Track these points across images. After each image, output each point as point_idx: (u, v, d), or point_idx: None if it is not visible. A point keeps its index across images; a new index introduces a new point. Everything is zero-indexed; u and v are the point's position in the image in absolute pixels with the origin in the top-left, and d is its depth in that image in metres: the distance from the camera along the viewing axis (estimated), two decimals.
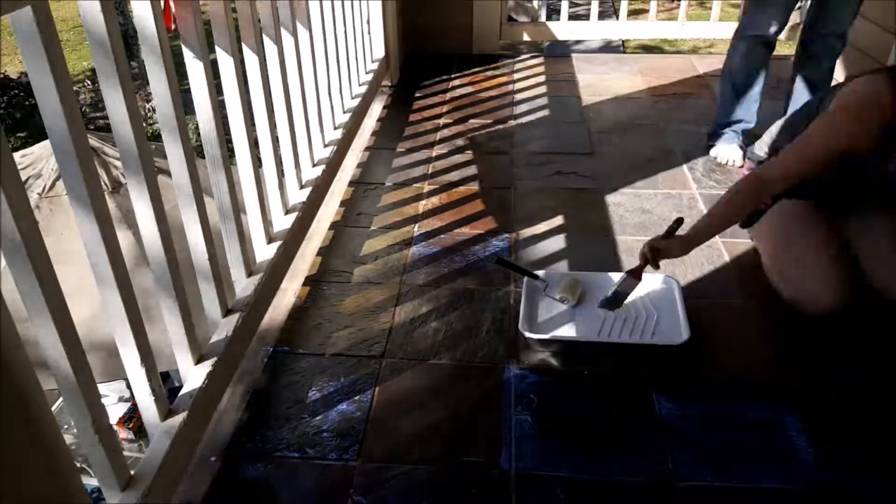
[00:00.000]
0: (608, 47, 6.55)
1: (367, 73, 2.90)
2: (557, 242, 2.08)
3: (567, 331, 1.72)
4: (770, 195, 1.75)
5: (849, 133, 1.55)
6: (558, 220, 2.19)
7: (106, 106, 1.09)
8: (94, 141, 2.74)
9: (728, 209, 1.68)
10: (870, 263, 1.68)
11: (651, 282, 1.82)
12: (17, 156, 2.80)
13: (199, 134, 1.43)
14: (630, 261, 1.98)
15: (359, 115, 2.66)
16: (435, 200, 2.32)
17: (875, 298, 1.63)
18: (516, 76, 3.41)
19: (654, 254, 1.69)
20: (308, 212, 1.99)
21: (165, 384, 1.29)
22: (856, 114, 1.56)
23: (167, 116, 1.26)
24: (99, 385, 1.09)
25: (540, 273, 1.84)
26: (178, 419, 1.25)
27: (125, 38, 5.64)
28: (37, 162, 2.74)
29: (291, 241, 1.85)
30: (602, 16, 4.02)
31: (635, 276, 1.74)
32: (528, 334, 1.66)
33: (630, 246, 2.05)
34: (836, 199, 1.81)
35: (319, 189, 2.11)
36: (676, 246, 1.68)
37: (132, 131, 1.11)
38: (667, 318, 1.73)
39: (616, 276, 1.83)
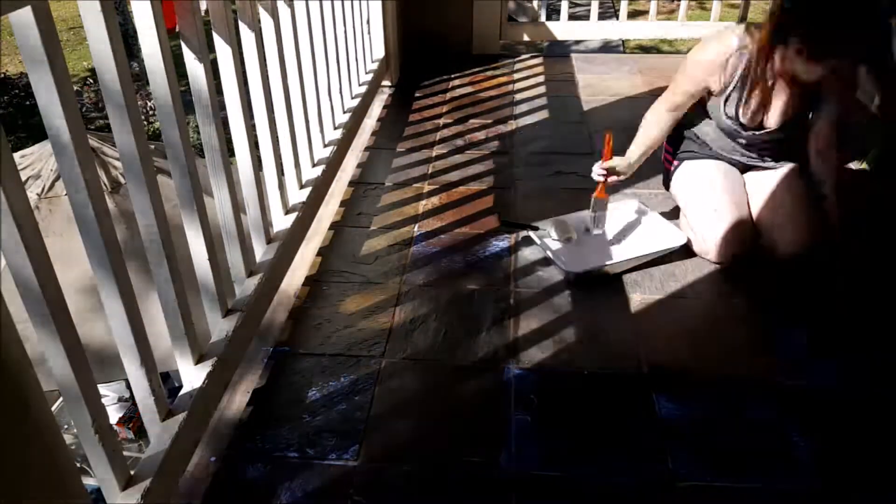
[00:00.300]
0: (608, 47, 6.53)
1: (367, 73, 2.90)
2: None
3: (594, 260, 1.97)
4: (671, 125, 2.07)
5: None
6: None
7: (106, 106, 1.09)
8: (94, 141, 2.74)
9: (646, 133, 2.05)
10: (760, 222, 1.99)
11: (621, 208, 2.15)
12: (16, 156, 2.80)
13: (199, 134, 1.43)
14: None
15: (359, 114, 2.66)
16: (435, 200, 2.32)
17: (765, 253, 1.96)
18: (516, 76, 3.41)
19: (608, 171, 1.99)
20: (308, 212, 1.99)
21: (165, 384, 1.30)
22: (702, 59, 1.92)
23: (167, 116, 1.26)
24: (99, 385, 1.09)
25: (538, 224, 2.08)
26: (178, 419, 1.25)
27: (125, 37, 5.64)
28: (36, 162, 2.74)
29: (291, 241, 1.85)
30: (602, 16, 4.03)
31: (599, 195, 2.02)
32: (573, 270, 1.90)
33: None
34: (730, 158, 2.08)
35: (319, 189, 2.11)
36: (622, 164, 2.01)
37: (132, 131, 1.11)
38: (656, 228, 2.06)
39: (584, 211, 2.10)
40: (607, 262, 1.95)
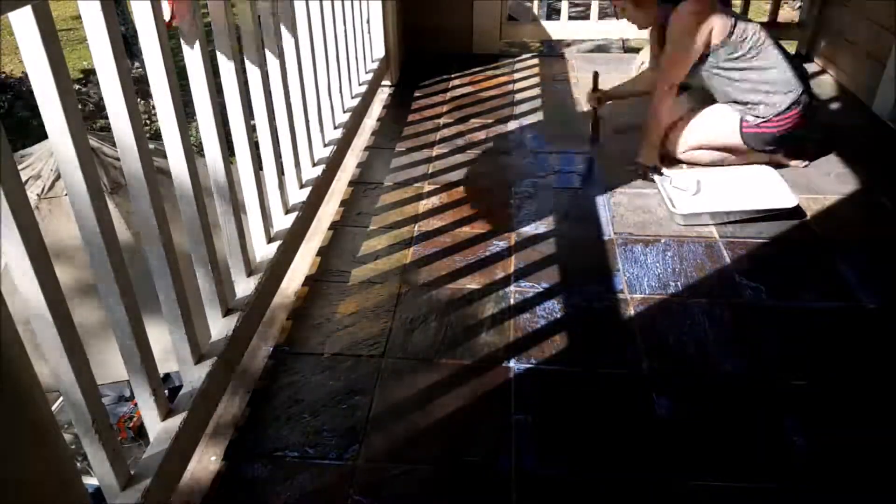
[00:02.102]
0: (608, 47, 6.54)
1: (367, 72, 2.90)
2: (557, 241, 2.08)
3: (701, 208, 2.20)
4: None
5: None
6: (558, 220, 2.19)
7: (106, 106, 1.09)
8: (94, 141, 2.74)
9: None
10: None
11: (749, 169, 2.38)
12: (16, 156, 2.80)
13: (199, 133, 1.43)
14: (628, 259, 1.98)
15: (359, 114, 2.66)
16: (435, 200, 2.32)
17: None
18: (516, 76, 3.41)
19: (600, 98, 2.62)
20: (308, 211, 1.99)
21: (165, 384, 1.30)
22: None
23: (167, 116, 1.26)
24: (99, 385, 1.09)
25: (665, 171, 2.38)
26: (178, 419, 1.25)
27: (125, 38, 5.63)
28: (36, 162, 2.74)
29: (291, 241, 1.85)
30: (602, 15, 4.03)
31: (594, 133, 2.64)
32: (680, 213, 2.15)
33: (630, 245, 2.05)
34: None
35: (319, 189, 2.11)
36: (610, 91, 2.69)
37: (132, 131, 1.11)
38: (771, 188, 2.25)
39: (712, 169, 2.41)
40: (713, 211, 2.16)
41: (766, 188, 2.26)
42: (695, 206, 2.20)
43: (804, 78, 2.33)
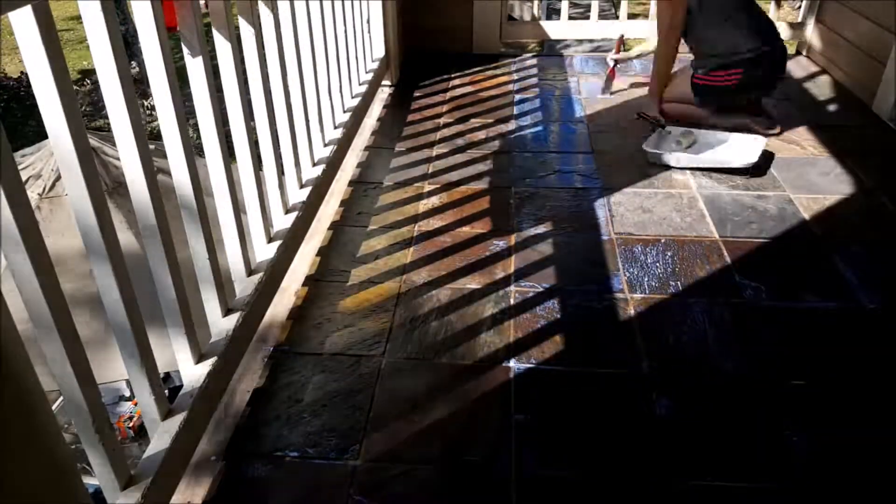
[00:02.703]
0: (608, 47, 6.54)
1: (367, 72, 2.90)
2: (557, 241, 2.08)
3: (672, 151, 2.54)
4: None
5: None
6: (558, 220, 2.19)
7: (106, 106, 1.09)
8: (94, 141, 2.74)
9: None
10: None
11: (742, 138, 2.61)
12: (16, 156, 2.80)
13: (199, 133, 1.43)
14: (628, 259, 1.99)
15: (359, 114, 2.66)
16: (435, 200, 2.32)
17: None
18: (516, 76, 3.41)
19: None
20: (308, 211, 1.99)
21: (165, 384, 1.30)
22: None
23: (167, 116, 1.26)
24: (99, 385, 1.09)
25: (668, 127, 2.69)
26: (178, 419, 1.25)
27: (125, 38, 5.63)
28: (37, 162, 2.74)
29: (291, 241, 1.85)
30: (602, 15, 4.04)
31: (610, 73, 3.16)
32: (649, 150, 2.52)
33: (630, 245, 2.06)
34: None
35: (319, 188, 2.11)
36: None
37: (132, 131, 1.11)
38: (741, 149, 2.51)
39: (724, 135, 2.64)
40: (679, 156, 2.51)
41: (740, 150, 2.51)
42: (663, 149, 2.57)
43: (766, 44, 2.65)
